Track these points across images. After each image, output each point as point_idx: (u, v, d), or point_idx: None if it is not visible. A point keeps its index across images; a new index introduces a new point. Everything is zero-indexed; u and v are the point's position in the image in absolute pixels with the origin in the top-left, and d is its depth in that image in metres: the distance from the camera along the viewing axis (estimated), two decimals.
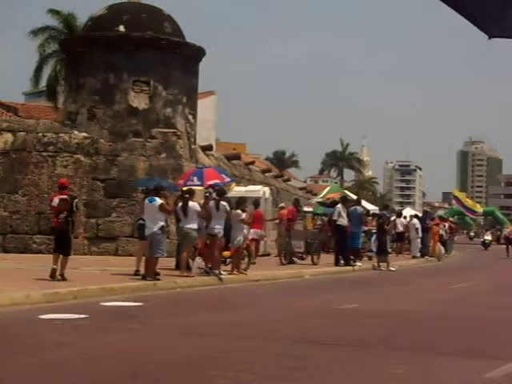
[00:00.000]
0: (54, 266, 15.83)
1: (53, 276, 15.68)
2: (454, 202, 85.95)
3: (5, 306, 12.33)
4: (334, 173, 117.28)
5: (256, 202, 25.57)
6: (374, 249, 28.71)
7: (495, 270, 30.86)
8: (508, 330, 11.97)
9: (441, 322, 12.46)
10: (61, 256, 16.06)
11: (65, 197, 16.19)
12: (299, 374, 7.69)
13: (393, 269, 26.38)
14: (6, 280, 15.19)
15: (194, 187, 19.96)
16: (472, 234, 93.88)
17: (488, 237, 63.36)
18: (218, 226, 18.64)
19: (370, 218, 32.57)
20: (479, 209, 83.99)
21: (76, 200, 16.49)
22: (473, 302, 16.23)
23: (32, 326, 10.82)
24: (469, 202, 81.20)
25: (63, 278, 15.69)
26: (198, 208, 18.53)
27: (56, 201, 16.19)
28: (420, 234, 34.44)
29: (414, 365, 8.47)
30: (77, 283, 15.06)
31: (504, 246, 48.50)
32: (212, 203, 18.97)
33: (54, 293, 13.64)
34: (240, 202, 19.98)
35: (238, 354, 8.81)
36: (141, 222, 17.90)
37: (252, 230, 24.15)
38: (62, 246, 16.09)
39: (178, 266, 19.08)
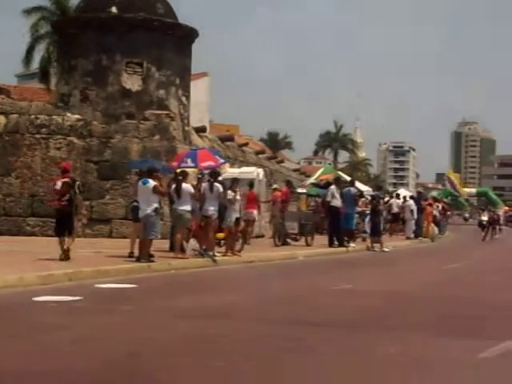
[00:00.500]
0: (65, 247, 16.34)
1: (65, 258, 16.13)
2: (447, 183, 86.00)
3: None
4: (328, 154, 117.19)
5: (250, 184, 25.53)
6: (368, 230, 28.77)
7: (488, 251, 30.95)
8: (501, 309, 12.01)
9: (435, 303, 12.49)
10: (66, 238, 16.41)
11: (67, 180, 16.77)
12: (293, 355, 7.71)
13: (386, 249, 26.45)
14: None
15: (187, 169, 19.93)
16: (467, 214, 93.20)
17: (485, 217, 60.82)
18: (211, 208, 18.64)
19: (364, 199, 32.57)
20: (464, 193, 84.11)
21: (78, 183, 17.03)
22: (466, 283, 16.30)
23: (26, 308, 10.81)
24: (459, 186, 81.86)
25: (67, 258, 16.08)
26: (192, 190, 18.52)
27: (59, 184, 16.84)
28: (415, 216, 34.51)
29: (408, 345, 8.50)
30: (71, 265, 15.06)
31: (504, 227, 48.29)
32: (206, 185, 18.98)
33: (48, 275, 13.62)
34: (232, 183, 19.98)
35: (233, 335, 8.83)
36: (135, 204, 17.88)
37: (248, 212, 24.27)
38: (66, 228, 16.64)
39: (172, 248, 19.08)
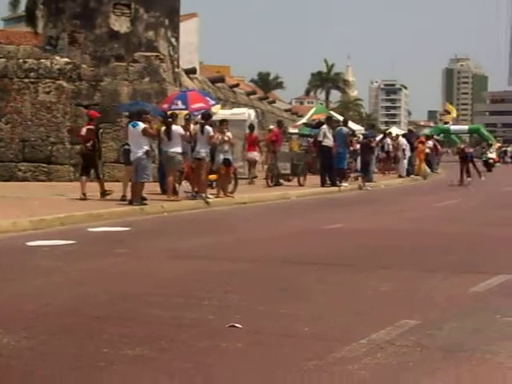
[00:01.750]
0: (83, 193, 17.70)
1: (102, 196, 18.11)
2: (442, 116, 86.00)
3: None
4: (320, 94, 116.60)
5: (251, 126, 26.35)
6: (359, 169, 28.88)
7: (482, 187, 31.01)
8: (493, 244, 12.11)
9: (427, 240, 12.57)
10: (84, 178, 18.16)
11: (91, 127, 18.47)
12: (287, 295, 7.79)
13: (369, 188, 26.60)
14: None
15: (178, 111, 19.83)
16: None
17: (492, 154, 51.89)
18: (203, 150, 18.58)
19: (356, 138, 32.52)
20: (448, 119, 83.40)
21: (101, 130, 18.90)
22: (459, 219, 16.38)
23: (20, 253, 10.87)
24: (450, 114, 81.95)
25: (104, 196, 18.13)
26: (182, 131, 18.45)
27: (84, 130, 18.65)
28: (409, 154, 34.51)
29: (400, 282, 8.58)
30: (63, 209, 15.08)
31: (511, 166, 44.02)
32: (197, 127, 18.91)
33: (41, 220, 13.65)
34: (221, 124, 19.90)
35: (225, 275, 8.90)
36: (126, 147, 17.85)
37: (249, 153, 25.73)
38: (90, 170, 18.59)
39: (162, 190, 19.11)
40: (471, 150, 34.56)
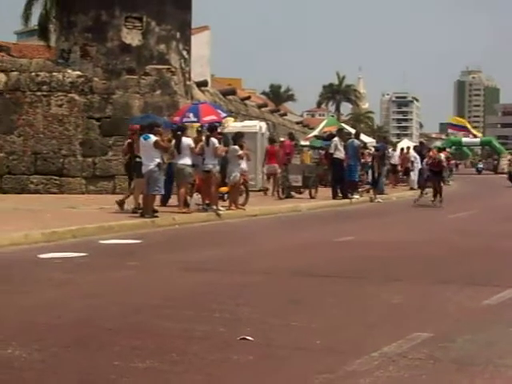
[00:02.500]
0: (138, 202, 17.66)
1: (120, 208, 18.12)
2: (449, 131, 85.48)
3: (4, 246, 12.38)
4: (331, 106, 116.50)
5: (271, 139, 27.19)
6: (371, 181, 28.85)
7: (494, 200, 30.91)
8: (506, 257, 12.05)
9: (439, 252, 12.51)
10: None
11: (130, 141, 18.76)
12: (298, 307, 7.77)
13: (381, 201, 26.54)
14: (4, 220, 15.22)
15: (190, 123, 19.85)
16: (480, 165, 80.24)
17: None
18: (210, 162, 18.51)
19: (368, 151, 32.47)
20: (477, 133, 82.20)
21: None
22: (471, 231, 16.31)
23: (32, 265, 10.87)
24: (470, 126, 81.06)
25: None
26: (192, 143, 18.45)
27: (125, 143, 19.43)
28: (419, 165, 34.38)
29: (412, 294, 8.54)
30: (75, 222, 15.10)
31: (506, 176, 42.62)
32: (203, 139, 18.89)
33: (53, 232, 13.67)
34: (237, 137, 19.91)
35: (237, 288, 8.88)
36: (136, 159, 17.88)
37: (269, 166, 26.14)
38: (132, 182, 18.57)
39: (163, 202, 19.12)
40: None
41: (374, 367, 5.49)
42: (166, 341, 6.28)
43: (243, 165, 19.78)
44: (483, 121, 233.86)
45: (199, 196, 19.28)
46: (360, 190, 27.80)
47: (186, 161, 18.25)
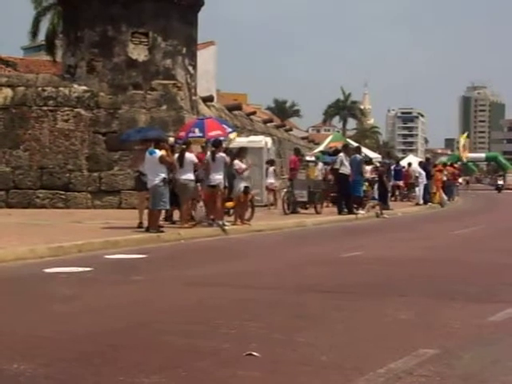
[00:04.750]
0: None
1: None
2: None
3: (10, 261, 12.40)
4: (338, 123, 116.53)
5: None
6: (377, 197, 28.84)
7: (498, 215, 30.84)
8: (510, 274, 12.01)
9: (445, 268, 12.49)
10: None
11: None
12: (304, 323, 7.74)
13: (386, 216, 26.48)
14: (10, 235, 15.25)
15: (195, 139, 19.87)
16: (500, 182, 78.16)
17: None
18: (216, 177, 18.54)
19: (373, 166, 32.48)
20: (463, 158, 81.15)
21: None
22: (477, 247, 16.27)
23: (37, 279, 10.87)
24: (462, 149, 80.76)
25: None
26: (195, 159, 18.47)
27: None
28: (425, 181, 34.36)
29: (418, 310, 8.51)
30: (81, 236, 15.11)
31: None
32: (208, 155, 18.91)
33: (59, 247, 13.69)
34: (240, 152, 19.95)
35: (243, 303, 8.87)
36: (138, 173, 17.93)
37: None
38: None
39: (167, 218, 19.12)
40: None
41: None
42: (172, 356, 6.26)
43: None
44: (488, 136, 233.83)
45: (202, 207, 19.24)
46: (368, 205, 27.79)
47: (189, 176, 18.25)
